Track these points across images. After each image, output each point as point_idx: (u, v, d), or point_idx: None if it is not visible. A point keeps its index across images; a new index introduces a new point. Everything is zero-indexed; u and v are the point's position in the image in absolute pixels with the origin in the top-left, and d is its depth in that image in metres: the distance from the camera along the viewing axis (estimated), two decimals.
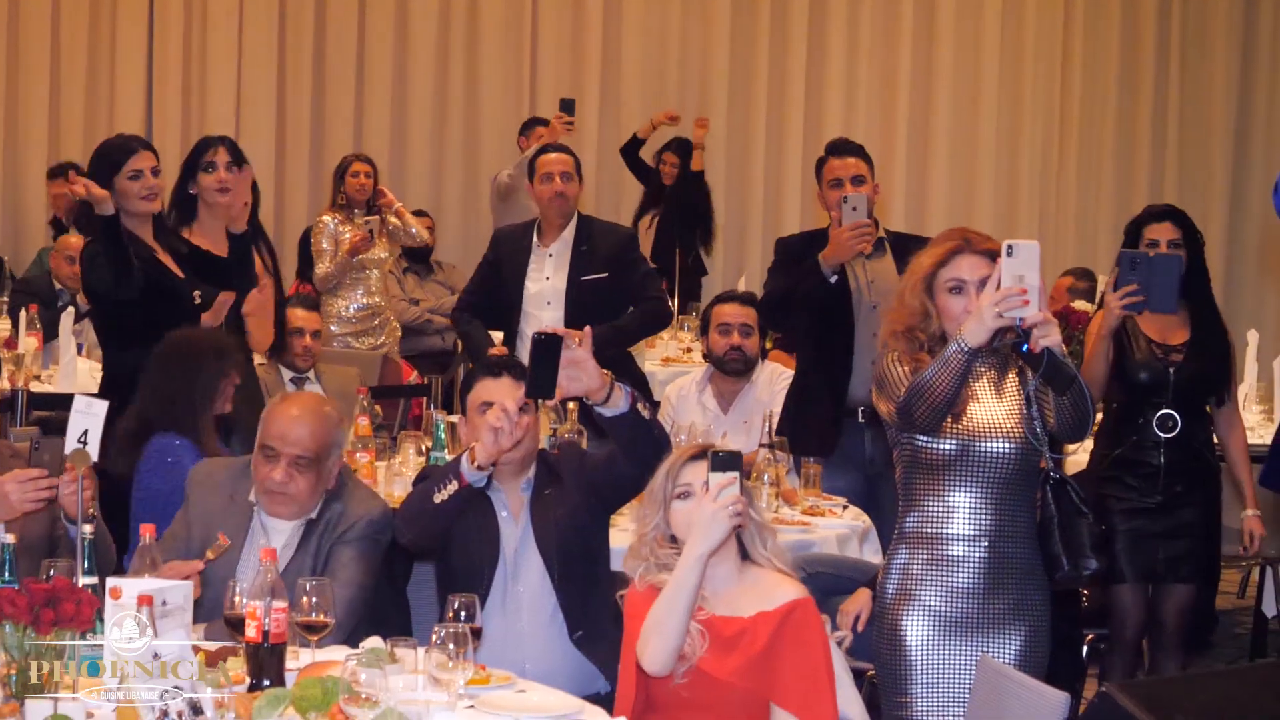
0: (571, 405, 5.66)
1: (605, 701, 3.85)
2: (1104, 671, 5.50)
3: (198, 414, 4.96)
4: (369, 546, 4.22)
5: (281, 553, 4.12)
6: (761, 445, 5.73)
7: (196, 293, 5.46)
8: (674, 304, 9.73)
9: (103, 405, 3.97)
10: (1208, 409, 5.44)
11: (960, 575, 3.83)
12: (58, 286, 8.76)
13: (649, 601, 3.71)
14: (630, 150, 10.57)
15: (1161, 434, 5.28)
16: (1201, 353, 5.32)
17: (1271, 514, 6.52)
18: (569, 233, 6.56)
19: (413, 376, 8.52)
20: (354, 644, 3.68)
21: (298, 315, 7.00)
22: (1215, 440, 5.51)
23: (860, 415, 5.88)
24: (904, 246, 5.73)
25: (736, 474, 3.63)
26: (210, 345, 5.11)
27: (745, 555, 3.78)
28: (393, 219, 8.69)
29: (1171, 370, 5.29)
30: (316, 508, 4.22)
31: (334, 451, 4.23)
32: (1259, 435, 6.95)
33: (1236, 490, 5.62)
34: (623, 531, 4.56)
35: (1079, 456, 5.81)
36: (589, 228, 6.63)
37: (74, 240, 8.18)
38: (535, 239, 6.59)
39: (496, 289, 6.60)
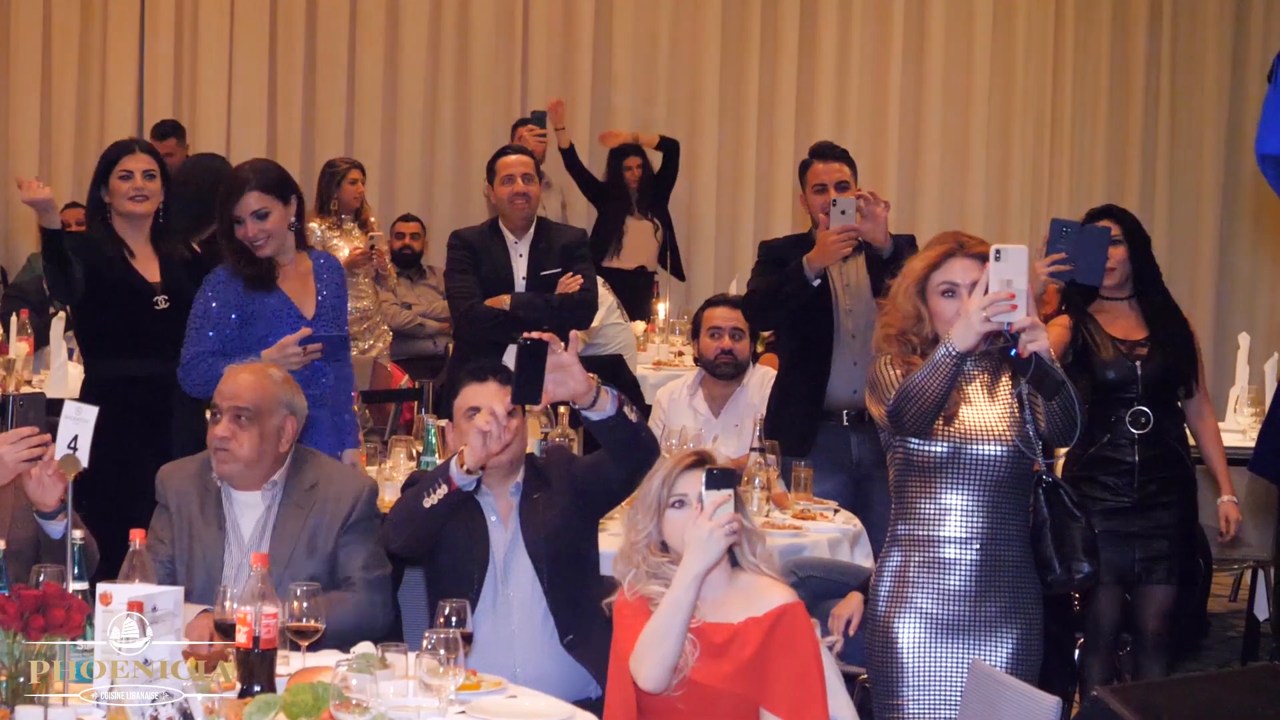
0: (562, 409, 5.66)
1: (596, 706, 3.84)
2: (1081, 674, 5.48)
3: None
4: (371, 525, 4.35)
5: (261, 520, 4.26)
6: (752, 449, 5.74)
7: (161, 298, 5.43)
8: (665, 304, 9.77)
9: (92, 411, 3.94)
10: (1178, 403, 5.45)
11: (953, 578, 3.83)
12: (49, 292, 8.72)
13: (639, 611, 3.70)
14: (572, 162, 10.26)
15: (1134, 430, 5.29)
16: (1164, 345, 5.35)
17: (1260, 516, 6.52)
18: (530, 233, 6.54)
19: (404, 381, 8.51)
20: (345, 649, 3.67)
21: None
22: (1189, 437, 5.53)
23: (844, 418, 5.89)
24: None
25: (731, 491, 3.62)
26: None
27: (734, 561, 3.77)
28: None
29: (1138, 364, 5.30)
30: (280, 473, 4.29)
31: (279, 410, 4.29)
32: (1249, 438, 6.95)
33: (1211, 480, 5.63)
34: (613, 535, 4.55)
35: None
36: (546, 228, 6.62)
37: None
38: (509, 238, 6.54)
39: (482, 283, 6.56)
